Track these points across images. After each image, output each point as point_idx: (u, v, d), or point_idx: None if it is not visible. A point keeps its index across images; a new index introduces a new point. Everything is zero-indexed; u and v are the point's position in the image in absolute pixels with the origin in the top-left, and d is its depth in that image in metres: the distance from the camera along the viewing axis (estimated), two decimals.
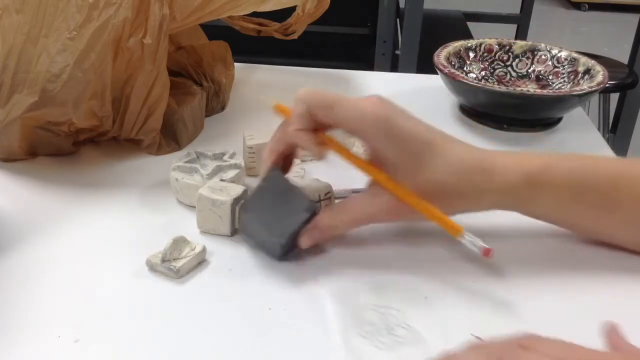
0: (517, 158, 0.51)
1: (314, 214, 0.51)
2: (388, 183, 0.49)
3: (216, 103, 0.79)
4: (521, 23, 2.72)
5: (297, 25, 0.82)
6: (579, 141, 0.76)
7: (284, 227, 0.51)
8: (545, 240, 0.55)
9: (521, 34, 2.69)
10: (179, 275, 0.50)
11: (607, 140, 1.53)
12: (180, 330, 0.45)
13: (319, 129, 0.51)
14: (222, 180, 0.58)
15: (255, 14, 0.77)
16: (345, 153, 0.52)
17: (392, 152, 0.49)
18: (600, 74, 0.76)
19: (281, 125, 0.53)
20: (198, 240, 0.53)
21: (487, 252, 0.47)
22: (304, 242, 0.51)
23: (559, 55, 0.84)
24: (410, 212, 0.49)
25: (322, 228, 0.51)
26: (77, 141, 0.68)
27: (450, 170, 0.49)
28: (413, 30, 1.68)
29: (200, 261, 0.52)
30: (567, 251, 0.54)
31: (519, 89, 0.76)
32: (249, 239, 0.54)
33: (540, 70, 0.85)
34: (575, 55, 0.83)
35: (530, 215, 0.53)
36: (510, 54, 0.87)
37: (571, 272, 0.52)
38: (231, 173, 0.59)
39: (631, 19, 2.99)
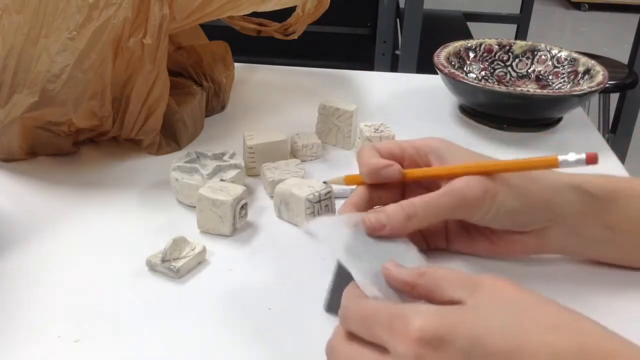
0: None
1: None
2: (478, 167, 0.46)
3: (216, 103, 0.79)
4: (521, 23, 2.72)
5: (297, 25, 0.82)
6: (578, 141, 0.76)
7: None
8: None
9: (521, 34, 2.69)
10: (179, 275, 0.50)
11: (607, 140, 1.53)
12: (180, 330, 0.45)
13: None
14: (222, 180, 0.58)
15: (255, 14, 0.77)
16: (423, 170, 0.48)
17: None
18: (600, 74, 0.76)
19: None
20: (198, 240, 0.53)
21: (593, 158, 0.43)
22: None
23: (559, 55, 0.84)
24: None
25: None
26: (77, 141, 0.68)
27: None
28: (413, 30, 1.68)
29: (200, 261, 0.52)
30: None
31: (519, 89, 0.76)
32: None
33: (540, 70, 0.85)
34: (575, 55, 0.83)
35: None
36: (510, 54, 0.87)
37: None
38: (231, 173, 0.59)
39: (631, 19, 2.98)
